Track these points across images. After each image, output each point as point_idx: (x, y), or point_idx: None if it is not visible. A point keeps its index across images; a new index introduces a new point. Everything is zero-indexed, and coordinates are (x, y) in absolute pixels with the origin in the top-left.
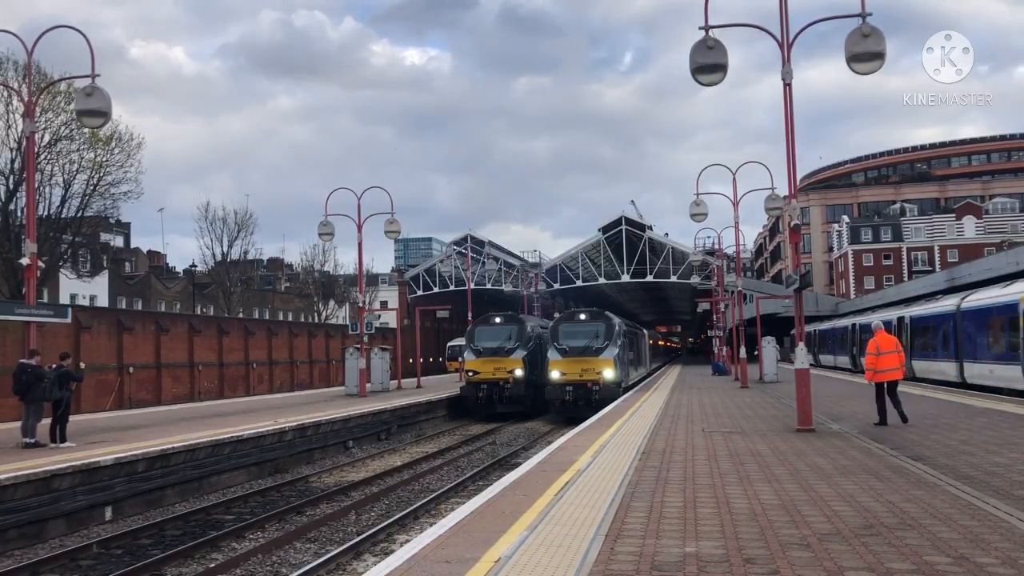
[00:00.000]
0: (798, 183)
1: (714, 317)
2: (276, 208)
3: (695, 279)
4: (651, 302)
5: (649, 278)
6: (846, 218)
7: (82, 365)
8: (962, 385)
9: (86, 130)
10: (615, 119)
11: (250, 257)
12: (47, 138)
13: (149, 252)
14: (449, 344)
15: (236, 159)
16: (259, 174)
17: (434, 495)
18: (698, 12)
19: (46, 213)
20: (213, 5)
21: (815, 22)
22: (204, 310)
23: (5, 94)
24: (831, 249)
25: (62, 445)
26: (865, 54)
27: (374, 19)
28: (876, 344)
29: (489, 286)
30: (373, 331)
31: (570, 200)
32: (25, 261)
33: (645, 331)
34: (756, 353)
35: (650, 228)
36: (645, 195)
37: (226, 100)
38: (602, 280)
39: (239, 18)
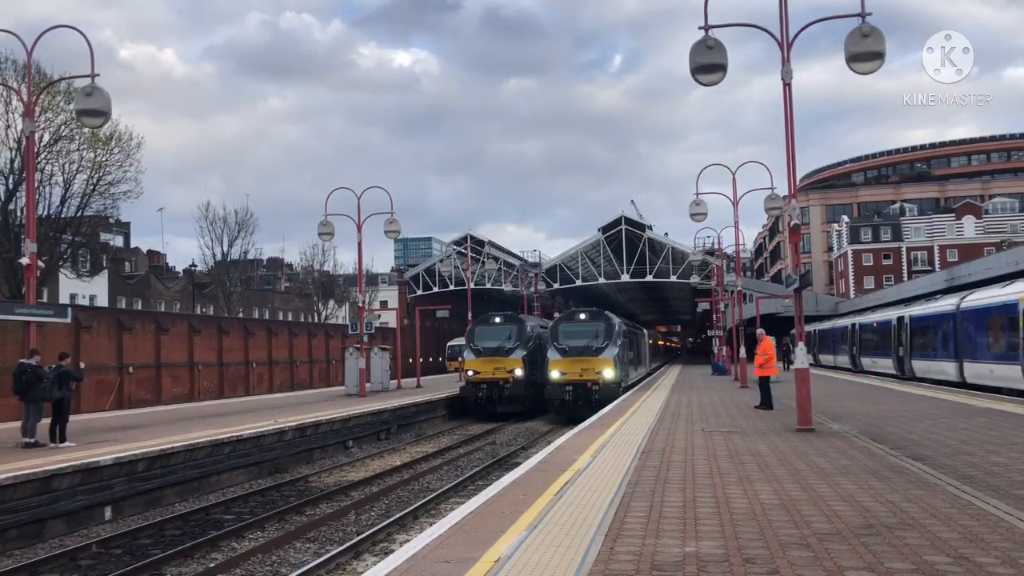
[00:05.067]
0: (798, 183)
1: (714, 317)
2: (271, 209)
3: (695, 279)
4: (651, 302)
5: (649, 278)
6: (846, 218)
7: (82, 365)
8: (962, 385)
9: (86, 130)
10: (607, 120)
11: (250, 257)
12: (47, 138)
13: (149, 252)
14: (449, 344)
15: (228, 160)
16: (251, 175)
17: (434, 495)
18: (687, 14)
19: (46, 213)
20: (204, 7)
21: (816, 21)
22: (204, 310)
23: (5, 94)
24: (831, 249)
25: (62, 445)
26: (865, 54)
27: (358, 21)
28: (767, 347)
29: (489, 286)
30: (373, 331)
31: (564, 201)
32: (25, 261)
33: (645, 331)
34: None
35: (650, 228)
36: (639, 196)
37: (217, 101)
38: (602, 280)
39: (229, 20)
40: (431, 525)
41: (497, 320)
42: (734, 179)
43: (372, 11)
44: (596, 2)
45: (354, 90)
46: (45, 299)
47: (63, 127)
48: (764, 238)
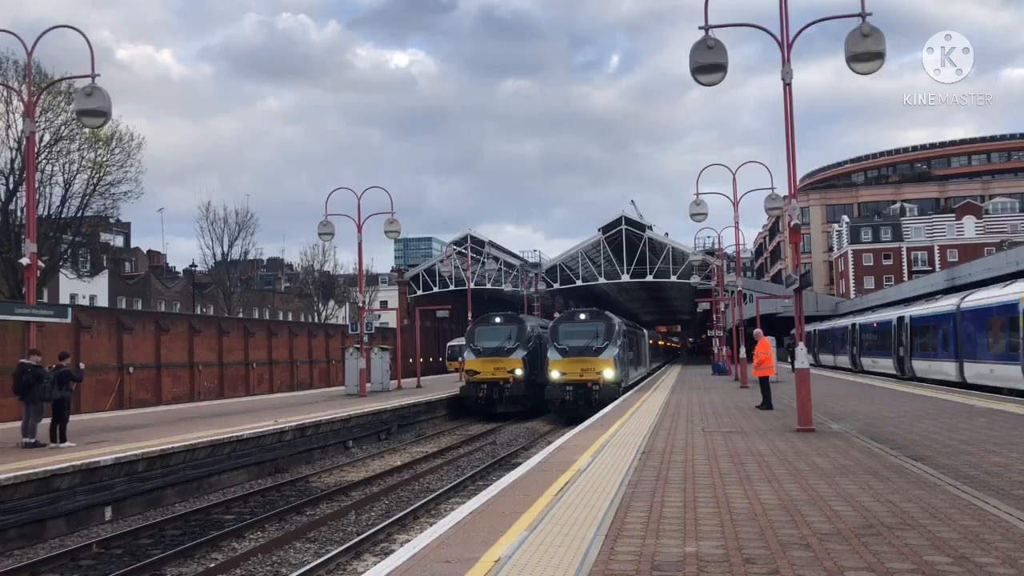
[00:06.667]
0: (798, 183)
1: (714, 317)
2: (268, 209)
3: (695, 279)
4: (651, 302)
5: (649, 278)
6: (846, 218)
7: (81, 365)
8: (962, 385)
9: (86, 130)
10: (604, 121)
11: (250, 257)
12: (47, 138)
13: (149, 252)
14: (449, 344)
15: (226, 161)
16: (250, 175)
17: (434, 495)
18: (684, 15)
19: (46, 213)
20: (201, 8)
21: (816, 21)
22: (204, 310)
23: (5, 94)
24: (831, 249)
25: (62, 445)
26: (865, 54)
27: (355, 22)
28: (765, 347)
29: (489, 286)
30: (373, 331)
31: (561, 201)
32: (25, 261)
33: (645, 331)
34: None
35: (650, 228)
36: (636, 196)
37: (214, 102)
38: (602, 280)
39: (226, 21)
40: (431, 525)
41: (497, 320)
42: (734, 179)
43: (368, 12)
44: (592, 3)
45: (351, 91)
46: (45, 299)
47: (63, 127)
48: (764, 238)
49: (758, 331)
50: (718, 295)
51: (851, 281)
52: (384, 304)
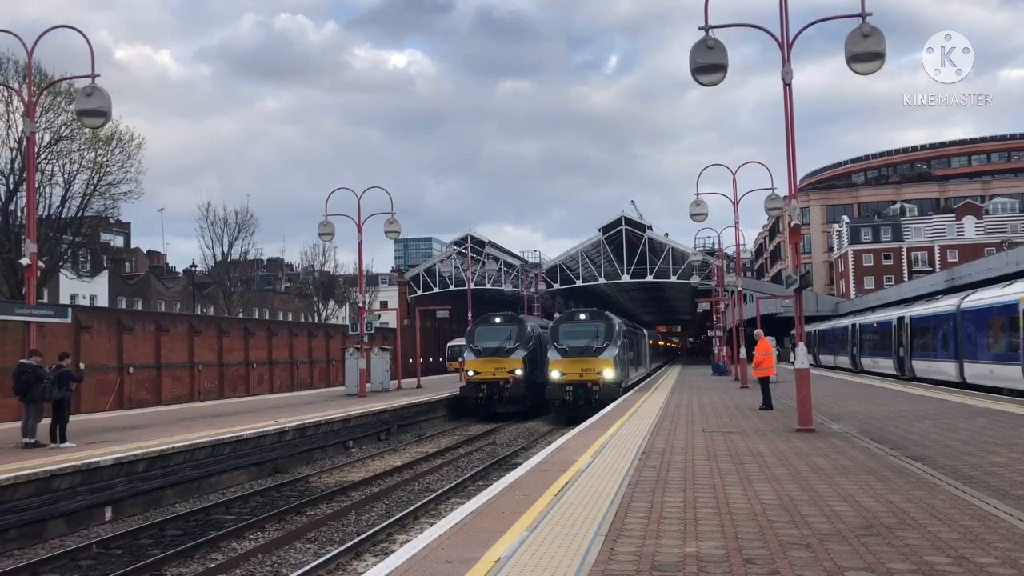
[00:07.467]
0: (798, 183)
1: (714, 317)
2: (268, 209)
3: (695, 279)
4: (651, 302)
5: (649, 278)
6: (846, 218)
7: (81, 365)
8: (962, 385)
9: (86, 130)
10: (602, 121)
11: (250, 257)
12: (47, 138)
13: (149, 252)
14: (449, 344)
15: (224, 161)
16: (248, 176)
17: (434, 495)
18: (681, 15)
19: (46, 213)
20: (199, 9)
21: (816, 22)
22: (204, 310)
23: (5, 94)
24: (831, 249)
25: (62, 445)
26: (865, 54)
27: (352, 23)
28: (765, 348)
29: (489, 286)
30: (373, 331)
31: (560, 201)
32: (25, 261)
33: (645, 331)
34: None
35: (650, 228)
36: (636, 196)
37: (212, 103)
38: (602, 280)
39: (224, 22)
40: (431, 525)
41: (497, 320)
42: (734, 179)
43: (366, 13)
44: (590, 3)
45: (349, 91)
46: (45, 299)
47: (64, 127)
48: (764, 238)
49: (759, 331)
50: (718, 295)
51: (851, 281)
52: (384, 304)
